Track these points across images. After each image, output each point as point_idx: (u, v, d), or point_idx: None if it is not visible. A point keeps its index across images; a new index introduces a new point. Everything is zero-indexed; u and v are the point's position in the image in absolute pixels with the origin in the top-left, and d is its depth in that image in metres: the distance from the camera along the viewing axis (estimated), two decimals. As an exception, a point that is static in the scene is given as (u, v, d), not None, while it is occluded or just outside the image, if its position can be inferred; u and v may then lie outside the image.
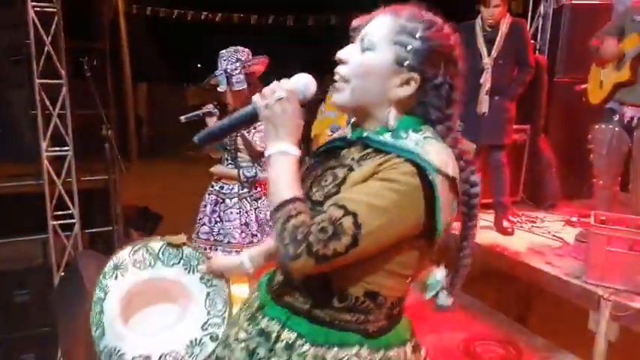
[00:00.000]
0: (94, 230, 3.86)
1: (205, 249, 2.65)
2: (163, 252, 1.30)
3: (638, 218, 2.55)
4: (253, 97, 0.97)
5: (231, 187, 2.66)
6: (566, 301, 2.65)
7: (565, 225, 3.49)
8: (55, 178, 3.51)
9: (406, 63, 0.91)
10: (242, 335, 1.02)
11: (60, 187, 3.53)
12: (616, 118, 2.87)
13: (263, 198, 2.68)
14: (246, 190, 2.64)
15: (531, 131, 3.83)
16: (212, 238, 2.66)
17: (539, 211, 3.79)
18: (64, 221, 3.59)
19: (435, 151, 0.88)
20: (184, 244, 1.31)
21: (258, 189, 2.67)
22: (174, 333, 1.28)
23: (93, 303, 1.26)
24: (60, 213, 3.59)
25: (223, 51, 2.57)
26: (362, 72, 0.94)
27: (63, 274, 3.27)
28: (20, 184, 3.59)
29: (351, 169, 0.93)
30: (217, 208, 2.66)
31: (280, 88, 0.96)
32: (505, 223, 3.26)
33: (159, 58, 12.02)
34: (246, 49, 2.59)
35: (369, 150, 0.94)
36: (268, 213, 2.64)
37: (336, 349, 0.93)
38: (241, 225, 2.60)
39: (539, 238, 3.22)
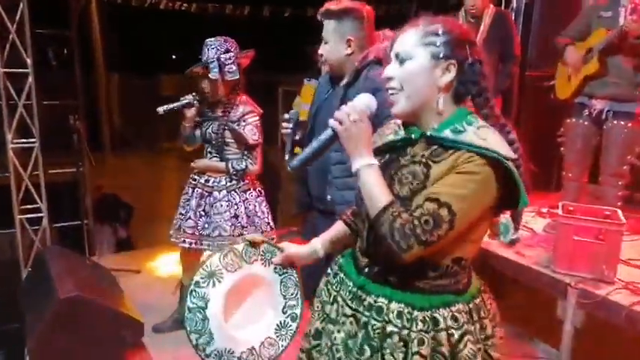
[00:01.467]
0: (62, 224, 3.77)
1: (191, 244, 2.59)
2: (245, 252, 1.41)
3: (605, 208, 2.62)
4: (330, 121, 1.14)
5: (218, 180, 2.62)
6: (536, 290, 2.71)
7: (535, 216, 3.56)
8: (21, 170, 3.39)
9: (441, 55, 1.10)
10: (348, 311, 1.20)
11: (27, 180, 3.42)
12: (585, 112, 2.93)
13: (251, 190, 2.66)
14: (234, 182, 2.61)
15: (504, 124, 3.90)
16: (197, 233, 2.61)
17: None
18: (32, 215, 3.49)
19: (494, 140, 1.07)
20: (263, 241, 1.42)
21: (246, 181, 2.65)
22: (264, 321, 1.43)
23: (191, 312, 1.35)
24: (27, 207, 3.48)
25: (211, 39, 2.52)
26: (410, 77, 1.12)
27: (30, 269, 3.18)
28: (-15, 178, 3.47)
29: (427, 166, 1.10)
30: (202, 202, 2.61)
31: (353, 110, 1.13)
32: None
33: (131, 48, 11.75)
34: (234, 41, 2.56)
35: (434, 147, 1.11)
36: (256, 205, 2.65)
37: (440, 309, 1.13)
38: (231, 217, 2.58)
39: (510, 229, 3.27)
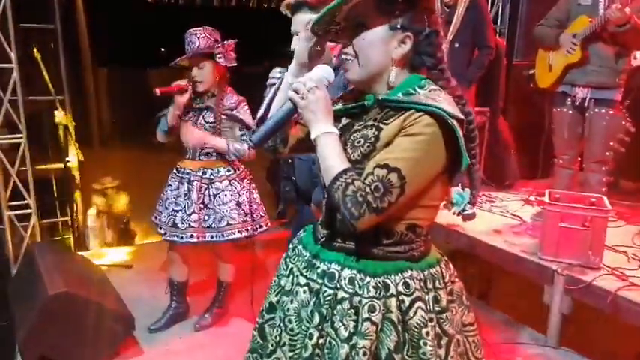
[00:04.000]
0: (52, 220, 3.74)
1: (199, 237, 2.56)
2: None
3: (590, 195, 2.66)
4: (288, 93, 1.12)
5: (217, 171, 2.61)
6: (523, 277, 2.74)
7: (524, 205, 3.60)
8: (8, 167, 3.37)
9: (399, 25, 1.08)
10: (302, 280, 1.19)
11: (14, 177, 3.39)
12: (569, 101, 2.95)
13: (246, 178, 2.69)
14: (232, 171, 2.62)
15: (491, 113, 3.92)
16: (202, 226, 2.56)
17: (498, 191, 3.90)
18: (21, 212, 3.46)
19: (444, 101, 1.05)
20: None
21: (242, 169, 2.67)
22: None
23: None
24: (15, 203, 3.46)
25: (197, 29, 2.48)
26: (365, 46, 1.11)
27: (19, 266, 3.16)
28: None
29: (379, 129, 1.09)
30: (201, 195, 2.60)
31: (309, 80, 1.11)
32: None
33: (119, 41, 11.62)
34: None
35: (387, 110, 1.10)
36: (253, 192, 2.65)
37: (392, 275, 1.12)
38: (236, 206, 2.59)
39: (498, 218, 3.31)
